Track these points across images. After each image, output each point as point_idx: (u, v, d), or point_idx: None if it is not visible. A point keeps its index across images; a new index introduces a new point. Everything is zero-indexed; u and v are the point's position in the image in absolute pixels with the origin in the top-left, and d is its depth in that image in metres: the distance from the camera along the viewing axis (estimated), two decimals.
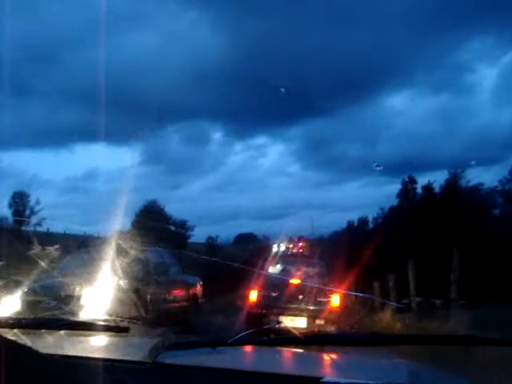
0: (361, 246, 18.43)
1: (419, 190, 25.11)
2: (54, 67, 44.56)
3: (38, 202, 25.12)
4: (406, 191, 25.58)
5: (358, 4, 43.96)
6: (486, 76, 59.65)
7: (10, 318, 1.32)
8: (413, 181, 25.55)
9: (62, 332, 1.36)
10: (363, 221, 30.25)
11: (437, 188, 24.25)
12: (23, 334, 1.22)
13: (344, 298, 8.35)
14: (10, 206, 25.11)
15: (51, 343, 1.22)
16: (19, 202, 25.11)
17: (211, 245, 31.15)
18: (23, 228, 23.46)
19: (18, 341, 1.05)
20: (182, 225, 30.87)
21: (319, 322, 7.52)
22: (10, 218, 24.37)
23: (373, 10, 45.01)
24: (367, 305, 13.13)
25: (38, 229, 23.62)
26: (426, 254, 16.43)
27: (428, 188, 24.57)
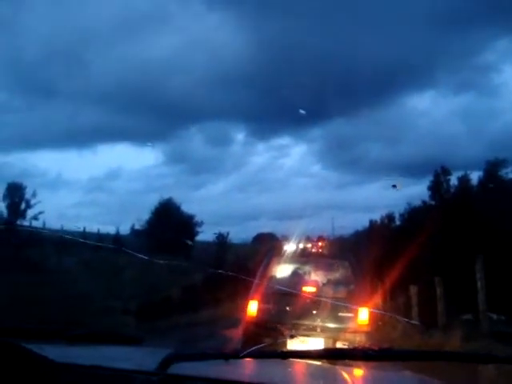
0: (389, 245, 17.79)
1: (453, 182, 24.82)
2: (79, 69, 47.11)
3: (34, 195, 25.45)
4: (439, 183, 25.27)
5: (381, 4, 44.22)
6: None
7: (23, 327, 1.45)
8: (446, 172, 25.21)
9: (76, 342, 1.50)
10: (389, 217, 30.05)
11: (474, 180, 24.01)
12: (37, 343, 1.35)
13: (374, 312, 6.87)
14: (4, 198, 25.46)
15: (64, 353, 1.35)
16: (14, 194, 25.40)
17: (221, 243, 31.30)
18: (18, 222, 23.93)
19: (33, 350, 1.18)
20: (189, 220, 31.34)
21: (341, 344, 6.17)
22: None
23: (396, 10, 45.41)
24: (406, 321, 10.37)
25: (34, 223, 24.11)
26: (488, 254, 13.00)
27: (464, 179, 24.23)
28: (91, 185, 54.72)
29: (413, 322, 10.34)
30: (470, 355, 1.45)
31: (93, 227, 26.30)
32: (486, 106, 46.06)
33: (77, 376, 1.19)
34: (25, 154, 59.99)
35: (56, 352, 1.28)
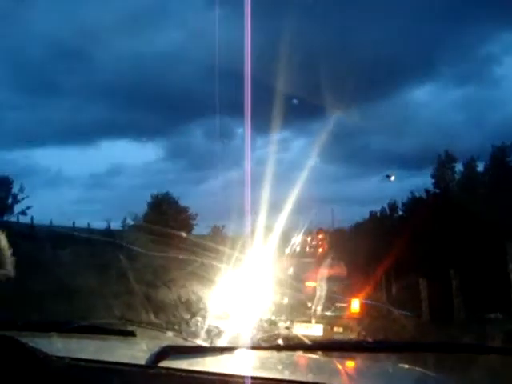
0: (391, 236, 17.56)
1: (459, 169, 24.73)
2: (80, 64, 47.54)
3: (21, 189, 25.32)
4: (443, 171, 25.14)
5: None
6: None
7: (18, 320, 1.51)
8: (450, 158, 25.06)
9: (71, 335, 1.55)
10: (392, 207, 29.98)
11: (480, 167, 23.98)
12: (32, 336, 1.41)
13: (365, 303, 8.26)
14: None
15: (60, 346, 1.40)
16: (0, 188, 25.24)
17: (216, 236, 31.32)
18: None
19: (27, 343, 1.24)
20: (184, 214, 31.35)
21: (337, 329, 7.59)
22: None
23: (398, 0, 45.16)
24: (414, 316, 10.28)
25: (22, 219, 23.99)
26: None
27: (471, 165, 24.12)
28: (91, 181, 55.62)
29: (406, 313, 10.23)
30: (465, 346, 1.51)
31: (87, 223, 26.25)
32: (489, 98, 46.39)
33: (71, 369, 1.25)
34: (25, 151, 61.12)
35: (50, 345, 1.33)
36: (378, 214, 31.25)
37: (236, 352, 1.46)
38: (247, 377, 1.26)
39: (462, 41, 48.59)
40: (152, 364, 1.29)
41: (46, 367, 1.21)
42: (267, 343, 1.65)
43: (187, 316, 2.25)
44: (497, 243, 9.89)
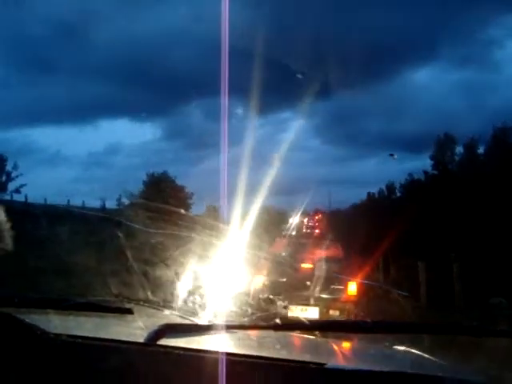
0: (389, 218, 17.56)
1: (459, 150, 24.64)
2: (79, 42, 46.83)
3: (15, 167, 25.23)
4: (442, 152, 25.03)
5: None
6: None
7: (16, 296, 1.52)
8: (450, 139, 24.93)
9: (68, 312, 1.56)
10: (390, 188, 30.02)
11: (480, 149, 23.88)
12: (29, 313, 1.41)
13: (362, 285, 8.24)
14: None
15: (57, 323, 1.41)
16: None
17: (211, 216, 31.35)
18: None
19: (25, 320, 1.25)
20: (180, 193, 31.37)
21: (333, 312, 7.54)
22: None
23: None
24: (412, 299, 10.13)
25: (16, 197, 23.97)
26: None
27: (471, 146, 24.00)
28: (88, 160, 55.78)
29: (404, 293, 10.19)
30: (463, 328, 1.52)
31: (82, 201, 26.27)
32: (490, 80, 46.01)
33: (68, 346, 1.26)
34: (23, 130, 61.58)
35: (47, 322, 1.34)
36: (376, 196, 31.37)
37: (233, 330, 1.48)
38: (245, 355, 1.28)
39: (464, 23, 48.05)
40: (150, 342, 1.30)
41: (43, 344, 1.22)
42: (264, 322, 1.66)
43: (185, 294, 2.26)
44: (500, 226, 9.70)
